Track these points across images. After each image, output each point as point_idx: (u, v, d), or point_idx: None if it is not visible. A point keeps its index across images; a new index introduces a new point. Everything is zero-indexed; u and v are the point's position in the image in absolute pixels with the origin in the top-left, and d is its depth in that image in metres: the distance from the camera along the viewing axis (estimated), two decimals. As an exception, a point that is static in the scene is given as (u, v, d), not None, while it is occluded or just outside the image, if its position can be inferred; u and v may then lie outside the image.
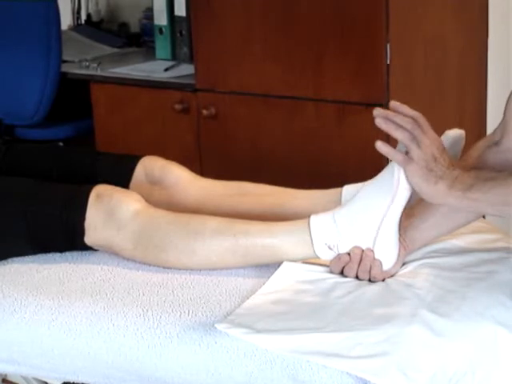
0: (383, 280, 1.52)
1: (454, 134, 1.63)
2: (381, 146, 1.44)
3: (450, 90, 2.71)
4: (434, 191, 1.42)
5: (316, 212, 1.62)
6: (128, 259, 1.64)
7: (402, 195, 1.48)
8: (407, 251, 1.56)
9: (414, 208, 1.57)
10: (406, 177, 1.45)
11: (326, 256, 1.54)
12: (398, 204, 1.49)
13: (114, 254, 1.65)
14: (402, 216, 1.51)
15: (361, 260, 1.51)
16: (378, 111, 1.46)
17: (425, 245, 1.59)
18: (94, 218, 1.61)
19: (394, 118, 1.45)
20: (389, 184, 1.48)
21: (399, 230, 1.52)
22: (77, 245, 1.65)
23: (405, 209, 1.52)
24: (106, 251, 1.66)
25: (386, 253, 1.51)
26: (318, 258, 1.55)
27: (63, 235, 1.64)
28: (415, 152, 1.43)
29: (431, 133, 1.45)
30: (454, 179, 1.41)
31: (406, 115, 1.46)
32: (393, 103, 1.48)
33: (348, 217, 1.52)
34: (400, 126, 1.44)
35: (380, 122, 1.45)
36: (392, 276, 1.54)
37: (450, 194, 1.40)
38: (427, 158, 1.42)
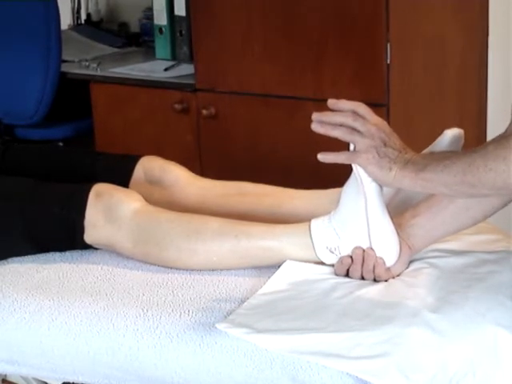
0: (386, 280, 1.52)
1: (453, 133, 1.63)
2: (324, 158, 1.43)
3: (450, 90, 2.71)
4: (390, 176, 1.39)
5: (316, 212, 1.62)
6: (128, 258, 1.64)
7: (371, 190, 1.46)
8: (412, 251, 1.55)
9: (420, 207, 1.55)
10: (363, 170, 1.43)
11: (329, 260, 1.54)
12: (371, 199, 1.47)
13: (114, 252, 1.65)
14: (386, 208, 1.49)
15: (363, 260, 1.51)
16: (314, 115, 1.44)
17: (431, 244, 1.57)
18: (94, 216, 1.61)
19: (332, 118, 1.44)
20: (356, 184, 1.47)
21: (393, 224, 1.50)
22: (77, 243, 1.65)
23: (407, 203, 1.50)
24: (106, 250, 1.66)
25: (386, 249, 1.51)
26: (320, 261, 1.55)
27: (63, 234, 1.64)
28: (360, 142, 1.41)
29: (375, 118, 1.44)
30: (407, 161, 1.38)
31: (344, 110, 1.44)
32: (329, 101, 1.45)
33: (341, 220, 1.51)
34: (339, 124, 1.42)
35: (316, 127, 1.44)
36: (398, 275, 1.53)
37: (404, 176, 1.38)
38: (376, 144, 1.40)
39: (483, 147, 1.32)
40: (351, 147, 1.44)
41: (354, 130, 1.42)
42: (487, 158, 1.30)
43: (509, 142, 1.29)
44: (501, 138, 1.32)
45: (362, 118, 1.43)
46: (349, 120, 1.43)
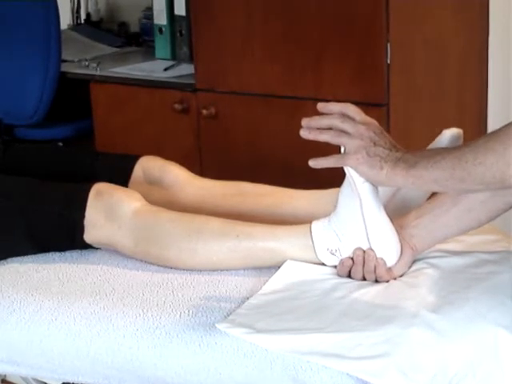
0: (388, 281, 1.51)
1: (452, 133, 1.62)
2: (314, 164, 1.43)
3: (450, 90, 2.71)
4: (382, 175, 1.39)
5: (315, 212, 1.62)
6: (128, 258, 1.64)
7: (364, 190, 1.45)
8: (415, 252, 1.54)
9: (423, 208, 1.55)
10: (355, 171, 1.43)
11: (330, 261, 1.54)
12: (366, 200, 1.46)
13: (114, 253, 1.65)
14: (383, 208, 1.48)
15: (364, 261, 1.51)
16: (303, 122, 1.44)
17: (434, 246, 1.56)
18: (94, 216, 1.62)
19: (320, 121, 1.44)
20: (350, 185, 1.47)
21: (391, 223, 1.50)
22: (77, 243, 1.65)
23: (406, 202, 1.51)
24: (106, 250, 1.66)
25: (386, 249, 1.50)
26: (321, 262, 1.55)
27: (63, 233, 1.64)
28: (349, 144, 1.41)
29: (365, 118, 1.44)
30: (398, 159, 1.38)
31: (333, 112, 1.44)
32: (319, 105, 1.46)
33: (340, 221, 1.51)
34: (328, 127, 1.42)
35: (305, 134, 1.44)
36: (401, 276, 1.53)
37: (396, 174, 1.37)
38: (365, 144, 1.40)
39: (474, 141, 1.32)
40: (342, 149, 1.44)
41: (342, 131, 1.42)
42: (477, 151, 1.29)
43: (499, 135, 1.28)
44: (493, 132, 1.32)
45: (351, 118, 1.43)
46: (337, 122, 1.43)
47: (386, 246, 1.51)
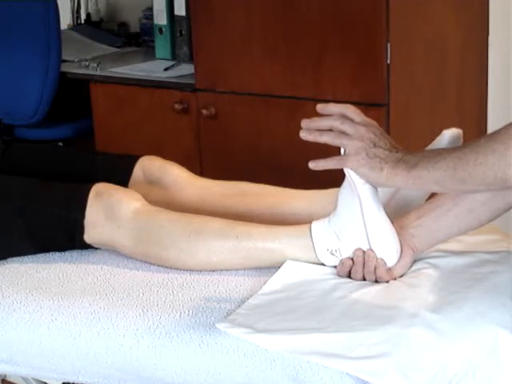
0: (387, 281, 1.51)
1: (452, 133, 1.62)
2: (315, 165, 1.43)
3: (450, 90, 2.71)
4: (382, 176, 1.39)
5: (315, 212, 1.62)
6: (128, 258, 1.64)
7: (364, 191, 1.45)
8: (415, 252, 1.54)
9: (424, 208, 1.54)
10: (355, 173, 1.43)
11: (330, 262, 1.54)
12: (366, 201, 1.46)
13: (114, 252, 1.65)
14: (383, 209, 1.48)
15: (364, 262, 1.50)
16: (303, 123, 1.45)
17: (434, 246, 1.56)
18: (94, 216, 1.62)
19: (320, 123, 1.44)
20: (350, 186, 1.47)
21: (391, 224, 1.50)
22: (77, 243, 1.65)
23: (404, 203, 1.51)
24: (106, 250, 1.66)
25: (386, 250, 1.50)
26: (321, 263, 1.55)
27: (63, 234, 1.64)
28: (349, 145, 1.41)
29: (364, 120, 1.44)
30: (398, 160, 1.38)
31: (333, 113, 1.44)
32: (318, 106, 1.47)
33: (340, 222, 1.51)
34: (328, 129, 1.43)
35: (305, 136, 1.44)
36: (401, 277, 1.53)
37: (396, 175, 1.37)
38: (365, 145, 1.40)
39: (475, 141, 1.32)
40: (342, 151, 1.44)
41: (342, 133, 1.42)
42: (478, 151, 1.29)
43: (500, 135, 1.28)
44: (493, 132, 1.32)
45: (351, 120, 1.43)
46: (337, 123, 1.43)
47: (386, 246, 1.51)
